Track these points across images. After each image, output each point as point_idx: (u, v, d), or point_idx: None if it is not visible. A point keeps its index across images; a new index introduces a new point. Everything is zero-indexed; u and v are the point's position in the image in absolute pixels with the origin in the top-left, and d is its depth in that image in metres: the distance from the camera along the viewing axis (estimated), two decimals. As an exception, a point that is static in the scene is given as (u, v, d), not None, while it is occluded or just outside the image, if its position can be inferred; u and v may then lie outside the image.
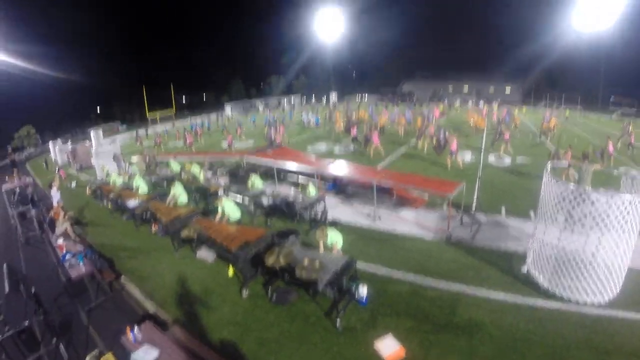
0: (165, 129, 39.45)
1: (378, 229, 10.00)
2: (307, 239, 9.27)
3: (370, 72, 75.73)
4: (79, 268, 7.57)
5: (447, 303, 6.62)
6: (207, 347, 5.76)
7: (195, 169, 14.59)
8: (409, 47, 67.73)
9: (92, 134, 21.90)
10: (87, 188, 15.21)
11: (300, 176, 14.40)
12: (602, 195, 5.92)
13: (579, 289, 6.37)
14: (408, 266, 7.91)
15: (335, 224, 9.90)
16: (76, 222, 12.10)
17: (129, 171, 17.42)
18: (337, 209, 11.44)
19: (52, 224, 10.07)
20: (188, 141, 24.21)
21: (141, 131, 36.86)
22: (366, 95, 64.03)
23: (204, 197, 12.78)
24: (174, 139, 31.15)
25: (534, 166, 15.68)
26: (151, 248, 9.90)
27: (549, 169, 6.99)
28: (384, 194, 11.62)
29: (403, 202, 11.55)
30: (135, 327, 5.42)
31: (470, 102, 48.02)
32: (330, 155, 19.27)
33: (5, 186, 13.44)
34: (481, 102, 44.92)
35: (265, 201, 11.34)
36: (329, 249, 7.55)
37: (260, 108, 58.28)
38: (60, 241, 8.63)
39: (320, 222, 10.20)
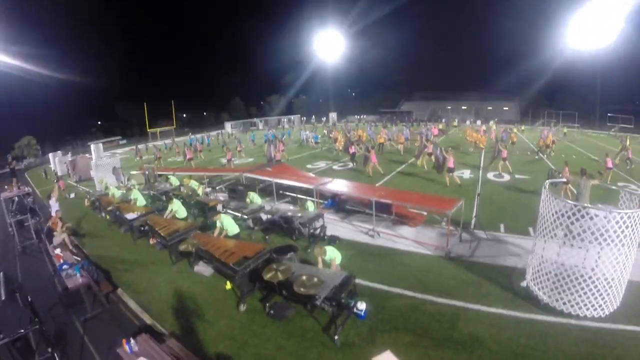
0: (165, 143, 39.67)
1: (377, 245, 9.96)
2: (305, 256, 9.22)
3: (369, 92, 76.76)
4: (75, 279, 7.51)
5: (446, 318, 6.55)
6: (203, 361, 5.66)
7: (194, 184, 14.66)
8: (408, 68, 68.96)
9: (93, 147, 22.09)
10: (86, 199, 15.23)
11: (299, 193, 14.41)
12: (600, 210, 5.97)
13: (579, 303, 6.34)
14: (407, 282, 7.85)
15: (334, 240, 9.95)
16: (74, 233, 12.07)
17: (127, 184, 17.46)
18: (336, 225, 11.41)
19: (50, 234, 10.05)
20: (188, 157, 24.34)
21: (141, 146, 37.06)
22: (364, 115, 64.60)
23: (202, 212, 12.76)
24: (174, 154, 31.31)
25: (533, 183, 15.79)
26: (148, 261, 9.85)
27: (547, 186, 7.05)
28: (383, 211, 11.62)
29: (402, 219, 11.54)
30: (131, 340, 5.35)
31: (468, 121, 48.56)
32: (330, 173, 19.37)
33: (4, 195, 13.42)
34: (479, 121, 45.52)
35: (264, 217, 11.36)
36: (327, 265, 7.52)
37: (260, 126, 58.85)
38: (58, 251, 8.59)
39: (318, 239, 10.18)
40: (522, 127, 42.08)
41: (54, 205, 12.93)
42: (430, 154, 18.89)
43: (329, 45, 57.80)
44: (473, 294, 7.26)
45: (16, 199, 13.19)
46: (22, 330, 5.71)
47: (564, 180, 11.56)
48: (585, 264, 6.37)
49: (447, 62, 66.89)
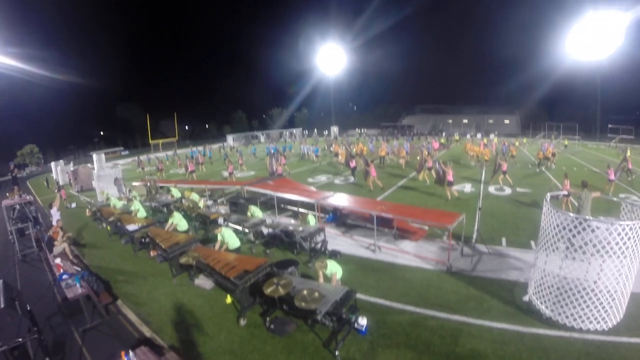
0: (167, 155, 39.86)
1: (378, 259, 9.90)
2: (306, 270, 9.20)
3: (371, 105, 77.30)
4: (75, 289, 7.49)
5: (448, 333, 6.48)
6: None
7: (195, 197, 14.69)
8: (409, 81, 69.60)
9: (95, 157, 22.22)
10: (87, 209, 15.25)
11: (300, 207, 14.42)
12: (602, 223, 5.96)
13: (582, 317, 6.29)
14: (408, 297, 7.79)
15: (335, 255, 9.91)
16: (74, 242, 12.06)
17: (129, 196, 17.51)
18: (337, 240, 11.38)
19: (50, 243, 10.05)
20: (189, 169, 24.42)
21: (143, 157, 37.26)
22: (365, 129, 64.92)
23: (203, 225, 12.77)
24: (176, 166, 31.43)
25: (534, 196, 15.82)
26: (148, 273, 9.81)
27: (548, 199, 7.06)
28: (384, 225, 11.60)
29: (403, 233, 11.52)
30: (130, 352, 5.32)
31: (468, 135, 48.77)
32: (331, 187, 19.41)
33: (6, 202, 13.45)
34: (479, 134, 45.69)
35: (265, 231, 11.34)
36: (328, 279, 7.49)
37: (262, 139, 59.15)
38: (58, 261, 8.59)
39: (319, 253, 10.15)
40: (524, 140, 42.11)
41: (55, 215, 12.97)
42: (430, 168, 18.94)
43: (330, 59, 58.49)
44: (475, 309, 7.20)
45: (17, 206, 13.22)
46: (20, 339, 5.68)
47: (565, 192, 11.56)
48: (587, 276, 6.35)
49: (448, 75, 67.72)
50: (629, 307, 6.51)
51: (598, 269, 6.25)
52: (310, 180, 21.94)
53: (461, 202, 15.12)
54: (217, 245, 9.42)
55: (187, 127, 74.80)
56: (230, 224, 11.78)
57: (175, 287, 8.85)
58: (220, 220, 12.14)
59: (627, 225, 5.83)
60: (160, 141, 50.47)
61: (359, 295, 7.29)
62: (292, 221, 12.01)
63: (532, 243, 10.16)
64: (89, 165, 27.38)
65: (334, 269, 7.47)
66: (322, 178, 22.50)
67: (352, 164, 21.12)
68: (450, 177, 15.75)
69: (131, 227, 11.47)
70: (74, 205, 18.77)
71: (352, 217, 12.85)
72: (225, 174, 23.83)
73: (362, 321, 6.54)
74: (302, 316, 6.74)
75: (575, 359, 5.69)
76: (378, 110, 74.34)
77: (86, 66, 60.96)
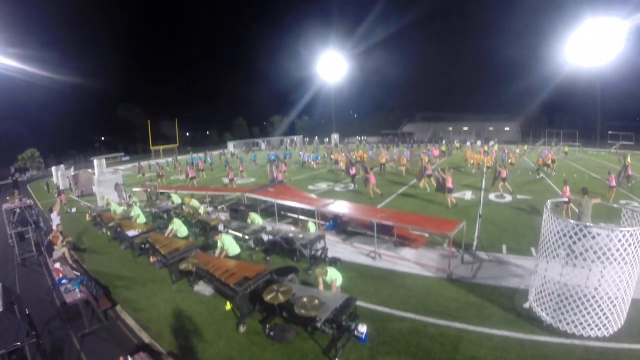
0: (167, 161, 39.92)
1: (378, 267, 9.87)
2: (306, 277, 9.17)
3: (371, 113, 77.56)
4: (74, 293, 7.46)
5: (448, 340, 6.44)
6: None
7: (196, 203, 14.70)
8: (409, 89, 69.95)
9: (95, 162, 22.26)
10: (87, 214, 15.26)
11: (300, 214, 14.41)
12: (603, 229, 5.96)
13: (583, 323, 6.26)
14: (408, 304, 7.76)
15: (335, 262, 9.89)
16: (74, 247, 12.04)
17: (129, 201, 17.53)
18: (337, 247, 11.36)
19: (50, 248, 10.04)
20: (190, 175, 24.45)
21: (143, 163, 37.33)
22: (365, 137, 65.05)
23: (203, 232, 12.75)
24: (176, 172, 31.46)
25: (535, 202, 15.81)
26: (148, 279, 9.78)
27: (549, 206, 7.06)
28: (384, 233, 11.58)
29: (403, 240, 11.49)
30: (129, 357, 5.27)
31: (468, 142, 48.84)
32: (331, 194, 19.41)
33: (6, 206, 13.46)
34: (479, 141, 45.74)
35: (265, 237, 11.32)
36: (328, 286, 7.47)
37: (263, 146, 59.29)
38: (57, 265, 8.56)
39: (320, 260, 10.12)
40: (525, 147, 41.83)
41: (55, 219, 12.97)
42: (429, 176, 18.96)
43: (331, 66, 58.80)
44: (475, 316, 7.17)
45: (18, 210, 13.23)
46: (19, 343, 5.67)
47: (565, 199, 11.56)
48: (588, 283, 6.33)
49: (448, 82, 68.16)
50: (629, 313, 6.49)
51: (599, 276, 6.24)
52: (310, 187, 21.95)
53: (461, 210, 15.11)
54: (217, 252, 9.41)
55: (187, 134, 75.05)
56: (231, 231, 11.76)
57: (175, 293, 8.82)
58: (221, 227, 12.13)
59: (628, 231, 5.83)
60: (161, 147, 50.68)
61: (359, 303, 7.26)
62: (293, 228, 11.98)
63: (533, 250, 10.13)
64: (89, 170, 27.40)
65: (334, 276, 7.45)
66: (323, 185, 22.52)
67: (352, 171, 21.16)
68: (449, 184, 15.76)
69: (131, 233, 11.47)
70: (74, 209, 18.78)
71: (352, 225, 12.83)
72: (226, 180, 23.84)
73: (362, 328, 6.50)
74: (301, 323, 6.71)
75: (577, 365, 5.65)
76: (378, 118, 74.57)
77: (87, 65, 61.51)
